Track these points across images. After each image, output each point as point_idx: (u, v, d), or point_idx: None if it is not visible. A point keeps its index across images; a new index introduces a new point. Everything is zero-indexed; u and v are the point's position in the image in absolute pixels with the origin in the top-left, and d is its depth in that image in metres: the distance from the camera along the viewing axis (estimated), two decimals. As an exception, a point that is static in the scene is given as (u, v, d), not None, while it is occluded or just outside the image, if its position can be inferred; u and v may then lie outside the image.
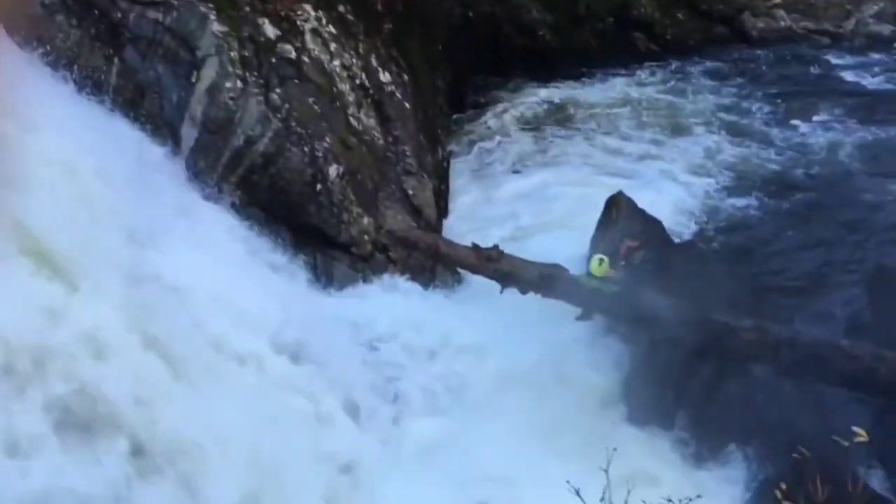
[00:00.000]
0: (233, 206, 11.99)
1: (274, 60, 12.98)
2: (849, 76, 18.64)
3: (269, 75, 12.87)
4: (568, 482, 4.19)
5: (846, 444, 3.69)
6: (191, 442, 8.02)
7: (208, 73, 12.37)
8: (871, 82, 18.40)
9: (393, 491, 9.23)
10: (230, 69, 12.46)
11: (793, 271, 12.52)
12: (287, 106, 12.75)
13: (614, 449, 4.39)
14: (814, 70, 18.98)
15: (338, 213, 12.73)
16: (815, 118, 16.99)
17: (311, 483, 8.82)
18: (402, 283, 12.49)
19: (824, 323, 11.30)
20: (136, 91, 11.95)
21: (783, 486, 3.29)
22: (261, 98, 12.56)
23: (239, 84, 12.45)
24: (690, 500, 3.51)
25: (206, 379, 8.67)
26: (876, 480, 9.46)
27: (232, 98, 12.39)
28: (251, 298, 10.02)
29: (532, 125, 17.56)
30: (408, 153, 14.37)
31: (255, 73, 12.72)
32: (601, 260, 10.98)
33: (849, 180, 14.71)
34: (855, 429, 3.72)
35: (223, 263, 10.24)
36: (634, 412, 10.68)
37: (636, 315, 11.04)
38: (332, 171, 12.89)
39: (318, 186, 12.68)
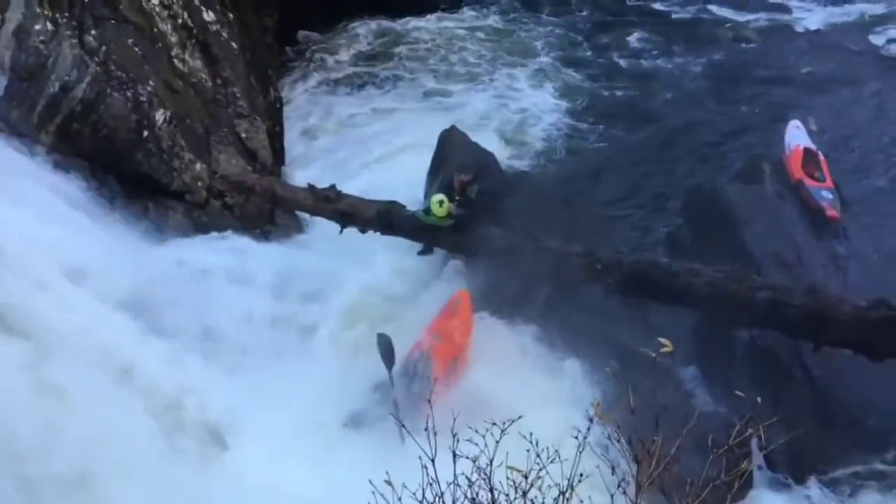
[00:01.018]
0: (52, 157, 11.39)
1: (86, 0, 12.29)
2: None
3: (83, 16, 12.17)
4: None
5: (653, 355, 4.01)
6: None
7: (14, 15, 11.63)
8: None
9: None
10: (38, 10, 11.73)
11: (615, 197, 13.17)
12: (104, 48, 12.12)
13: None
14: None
15: (168, 160, 12.31)
16: (623, 45, 17.64)
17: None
18: (239, 230, 12.24)
19: (646, 243, 11.98)
20: (-67, 37, 11.09)
21: (597, 401, 3.58)
22: (74, 41, 11.89)
23: (49, 26, 11.74)
24: (513, 420, 3.76)
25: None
26: (693, 385, 10.26)
27: (42, 41, 11.67)
28: (76, 254, 9.58)
29: (367, 60, 17.48)
30: (238, 95, 13.98)
31: (67, 14, 12.01)
32: (441, 202, 11.14)
33: (661, 108, 15.44)
34: (660, 340, 4.04)
35: (42, 219, 9.71)
36: None
37: (473, 246, 11.39)
38: (159, 116, 12.42)
39: (145, 133, 12.20)
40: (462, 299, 10.38)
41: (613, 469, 3.45)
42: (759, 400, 4.53)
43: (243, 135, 13.72)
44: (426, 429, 3.71)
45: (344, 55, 17.66)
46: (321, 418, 9.36)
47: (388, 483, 3.71)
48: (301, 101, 16.27)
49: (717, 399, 9.94)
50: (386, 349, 9.74)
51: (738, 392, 4.93)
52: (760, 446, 4.47)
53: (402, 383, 9.56)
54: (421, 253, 11.77)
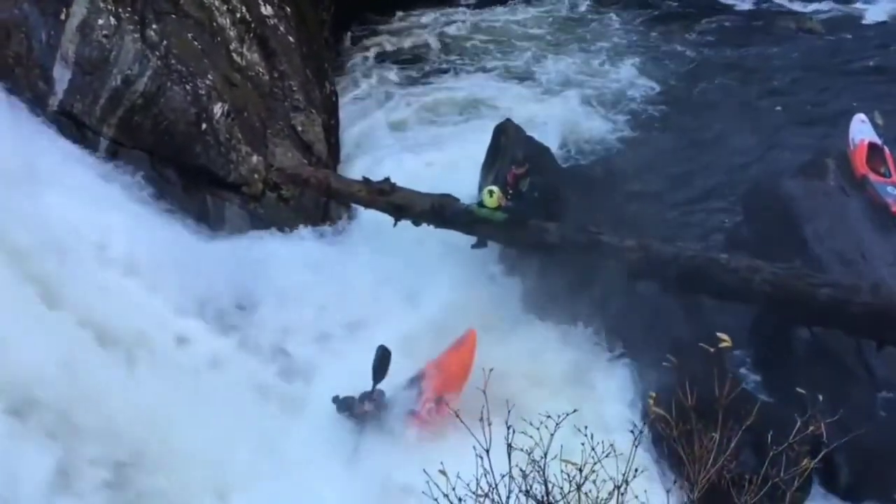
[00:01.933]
0: (113, 149, 11.61)
1: (148, -5, 12.52)
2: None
3: (144, 10, 12.38)
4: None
5: (712, 349, 3.92)
6: None
7: (78, 10, 11.85)
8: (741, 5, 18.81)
9: None
10: (101, 5, 11.95)
11: (674, 190, 12.96)
12: (165, 43, 12.33)
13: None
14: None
15: (225, 153, 12.48)
16: (686, 37, 17.37)
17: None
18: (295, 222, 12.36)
19: (704, 239, 11.77)
20: (1, 32, 11.35)
21: (654, 395, 3.50)
22: (136, 35, 12.11)
23: (112, 20, 11.96)
24: (568, 414, 3.70)
25: None
26: (752, 383, 10.08)
27: (106, 35, 11.90)
28: (133, 245, 9.79)
29: (424, 51, 17.42)
30: (294, 88, 14.09)
31: (129, 9, 12.23)
32: (491, 192, 11.13)
33: (723, 99, 15.13)
34: (719, 334, 3.96)
35: (100, 208, 9.93)
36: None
37: (525, 240, 11.33)
38: (217, 109, 12.59)
39: (204, 126, 12.37)
40: (469, 338, 10.25)
41: (670, 465, 3.37)
42: (819, 398, 4.36)
43: (299, 128, 13.82)
44: (481, 419, 3.68)
45: (401, 46, 17.60)
46: None
47: (443, 473, 3.69)
48: (358, 94, 16.30)
49: (776, 398, 9.77)
50: (381, 361, 9.85)
51: (799, 389, 4.77)
52: (821, 444, 4.32)
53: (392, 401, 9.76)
54: (475, 246, 11.73)
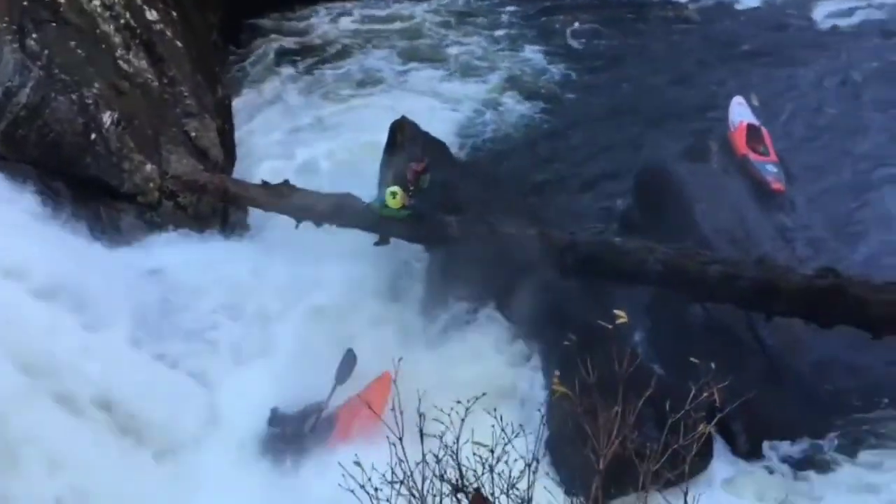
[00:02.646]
0: (-2, 162, 11.21)
1: (26, 3, 12.11)
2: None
3: (23, 19, 12.00)
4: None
5: (610, 326, 4.12)
6: None
7: (-49, 22, 11.41)
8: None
9: None
10: (-24, 16, 11.54)
11: (569, 177, 13.34)
12: (47, 52, 11.96)
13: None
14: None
15: (117, 162, 12.19)
16: (573, 28, 17.69)
17: None
18: (194, 229, 12.17)
19: (599, 223, 12.16)
20: None
21: (557, 374, 3.67)
22: (16, 45, 11.72)
23: (-12, 32, 11.56)
24: (477, 398, 3.84)
25: None
26: (651, 359, 10.47)
27: (-18, 48, 11.49)
28: (25, 259, 9.48)
29: (319, 49, 17.31)
30: (185, 94, 13.86)
31: (6, 19, 11.83)
32: (394, 193, 11.13)
33: (609, 87, 15.57)
34: (616, 311, 4.16)
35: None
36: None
37: (429, 235, 11.48)
38: (106, 118, 12.28)
39: (93, 136, 12.06)
40: (384, 379, 10.20)
41: (574, 442, 3.56)
42: (713, 366, 4.65)
43: (193, 134, 13.61)
44: (392, 409, 3.76)
45: (296, 44, 17.42)
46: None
47: (358, 464, 3.78)
48: (251, 96, 16.12)
49: (674, 371, 10.15)
50: (346, 364, 9.83)
51: (693, 359, 5.05)
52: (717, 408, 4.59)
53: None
54: (377, 244, 11.79)
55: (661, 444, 3.58)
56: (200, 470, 9.04)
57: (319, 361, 9.97)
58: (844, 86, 14.54)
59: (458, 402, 3.81)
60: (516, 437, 3.70)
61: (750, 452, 9.61)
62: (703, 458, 8.83)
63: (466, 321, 10.79)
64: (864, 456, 9.55)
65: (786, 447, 9.66)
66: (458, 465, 3.73)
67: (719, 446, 9.44)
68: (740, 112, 13.58)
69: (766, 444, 9.65)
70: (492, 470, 3.63)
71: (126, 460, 8.74)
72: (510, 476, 3.66)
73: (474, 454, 3.71)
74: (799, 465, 9.52)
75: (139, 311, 10.12)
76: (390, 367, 4.59)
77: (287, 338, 10.60)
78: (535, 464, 3.61)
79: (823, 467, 9.47)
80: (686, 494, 3.75)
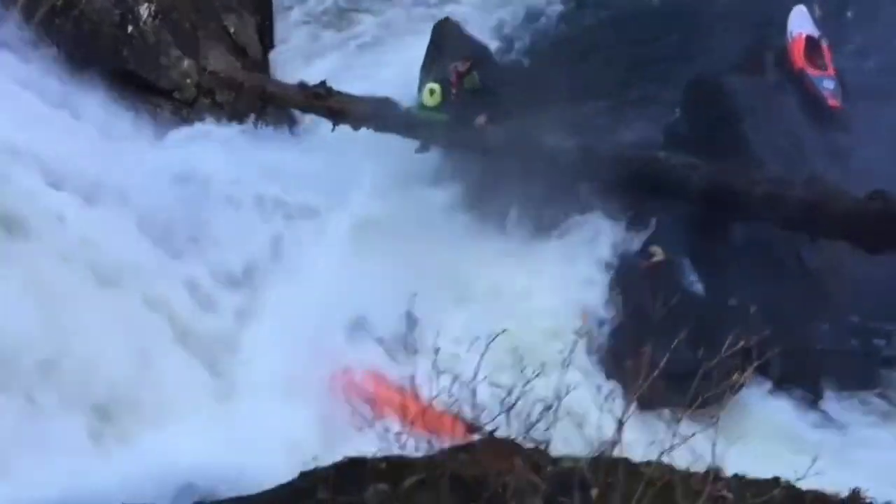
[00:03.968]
0: (35, 52, 11.06)
1: None
2: None
3: None
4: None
5: (646, 263, 3.93)
6: None
7: None
8: None
9: None
10: None
11: (617, 87, 12.83)
12: (84, -61, 11.70)
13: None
14: None
15: (155, 57, 12.07)
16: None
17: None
18: (230, 126, 12.02)
19: (642, 136, 11.77)
20: None
21: (585, 314, 3.48)
22: (51, -67, 11.47)
23: (24, -85, 11.28)
24: (498, 334, 3.63)
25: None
26: (690, 280, 10.27)
27: (19, -67, 11.23)
28: (62, 152, 9.37)
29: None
30: (225, -12, 13.61)
31: None
32: (432, 90, 10.89)
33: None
34: (650, 248, 3.97)
35: (26, 123, 9.47)
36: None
37: (467, 143, 11.22)
38: (144, 10, 12.13)
39: (130, 28, 11.92)
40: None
41: (600, 387, 3.42)
42: (751, 310, 4.46)
43: (232, 29, 13.40)
44: (405, 347, 3.63)
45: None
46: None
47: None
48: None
49: (715, 291, 9.99)
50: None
51: (731, 302, 4.86)
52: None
53: None
54: (419, 151, 11.52)
55: (690, 393, 3.42)
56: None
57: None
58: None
59: (478, 337, 3.67)
60: (537, 376, 3.57)
61: (782, 379, 9.44)
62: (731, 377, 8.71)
63: (495, 238, 10.57)
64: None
65: (817, 377, 9.47)
66: (474, 404, 3.63)
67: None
68: (801, 22, 12.89)
69: (798, 374, 9.45)
70: (508, 412, 3.52)
71: None
72: (528, 418, 3.55)
73: (492, 394, 3.60)
74: (831, 395, 9.34)
75: (167, 212, 9.99)
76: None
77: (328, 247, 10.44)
78: (557, 403, 3.50)
79: (852, 401, 9.29)
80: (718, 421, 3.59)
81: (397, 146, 11.52)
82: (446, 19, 12.96)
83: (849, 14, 13.63)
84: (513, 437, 3.54)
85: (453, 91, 11.12)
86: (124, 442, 7.74)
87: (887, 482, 7.64)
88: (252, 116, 12.35)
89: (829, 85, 12.10)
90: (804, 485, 3.85)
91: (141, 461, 7.13)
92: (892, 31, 13.17)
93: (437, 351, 3.75)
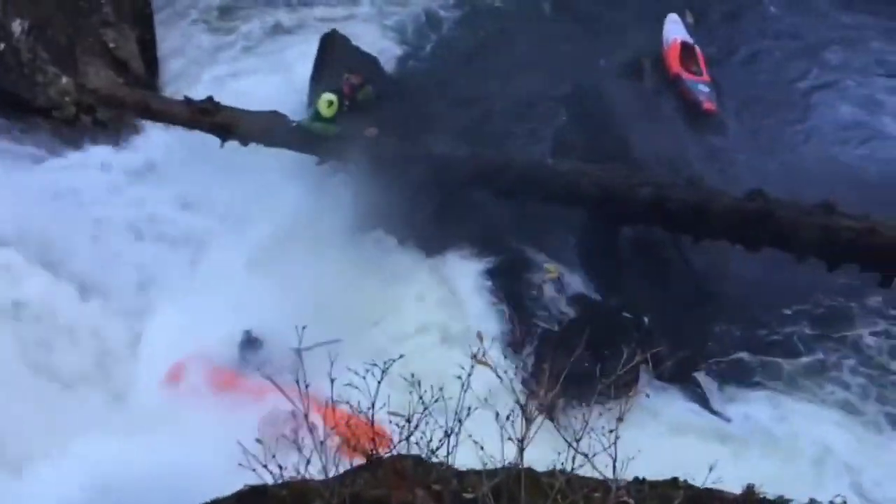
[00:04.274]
0: None
1: None
2: None
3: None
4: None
5: (541, 282, 4.04)
6: None
7: None
8: None
9: None
10: None
11: (503, 96, 13.04)
12: (-53, -45, 11.20)
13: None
14: None
15: (30, 74, 11.64)
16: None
17: None
18: (114, 145, 11.69)
19: (532, 144, 12.02)
20: None
21: (479, 351, 3.54)
22: (-88, -52, 10.93)
23: None
24: (394, 360, 3.62)
25: None
26: (584, 284, 10.54)
27: None
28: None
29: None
30: (102, 1, 13.20)
31: None
32: (330, 101, 10.73)
33: (548, 4, 15.08)
34: (546, 266, 4.08)
35: None
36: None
37: (360, 155, 11.20)
38: (16, 26, 11.70)
39: (2, 45, 11.45)
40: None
41: (497, 415, 3.49)
42: (646, 321, 4.63)
43: (111, 44, 13.00)
44: (297, 381, 3.59)
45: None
46: None
47: (260, 441, 3.66)
48: (177, 7, 15.35)
49: (607, 295, 10.27)
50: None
51: (625, 314, 5.04)
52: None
53: None
54: (319, 163, 11.29)
55: (591, 406, 3.53)
56: None
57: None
58: (782, 5, 14.43)
59: (374, 364, 3.68)
60: (436, 401, 3.62)
61: (673, 377, 9.76)
62: (628, 386, 8.96)
63: (389, 251, 10.62)
64: (781, 381, 9.77)
65: (709, 371, 9.83)
66: (374, 434, 3.65)
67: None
68: (675, 29, 13.44)
69: (685, 366, 9.79)
70: (408, 439, 3.56)
71: None
72: (428, 445, 3.59)
73: (391, 423, 3.62)
74: (720, 387, 9.70)
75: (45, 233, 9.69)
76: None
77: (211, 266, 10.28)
78: (458, 426, 3.54)
79: (743, 389, 9.68)
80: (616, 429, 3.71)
81: (290, 162, 11.43)
82: (333, 31, 12.91)
83: (719, 21, 14.27)
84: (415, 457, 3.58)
85: (346, 103, 11.07)
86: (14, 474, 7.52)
87: (778, 475, 8.13)
88: (136, 134, 12.03)
89: (703, 89, 12.64)
90: (702, 483, 4.00)
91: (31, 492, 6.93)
92: (760, 36, 13.90)
93: (332, 381, 3.75)
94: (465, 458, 3.68)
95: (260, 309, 9.11)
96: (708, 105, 12.48)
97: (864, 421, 9.37)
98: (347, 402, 3.74)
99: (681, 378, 9.55)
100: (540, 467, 3.58)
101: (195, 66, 13.85)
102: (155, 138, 11.96)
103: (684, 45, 13.13)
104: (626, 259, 10.70)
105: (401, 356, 3.84)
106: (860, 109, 12.76)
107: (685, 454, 8.04)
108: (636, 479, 4.18)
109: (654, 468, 4.33)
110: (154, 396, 8.55)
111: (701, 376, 9.65)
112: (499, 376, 3.39)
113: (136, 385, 8.85)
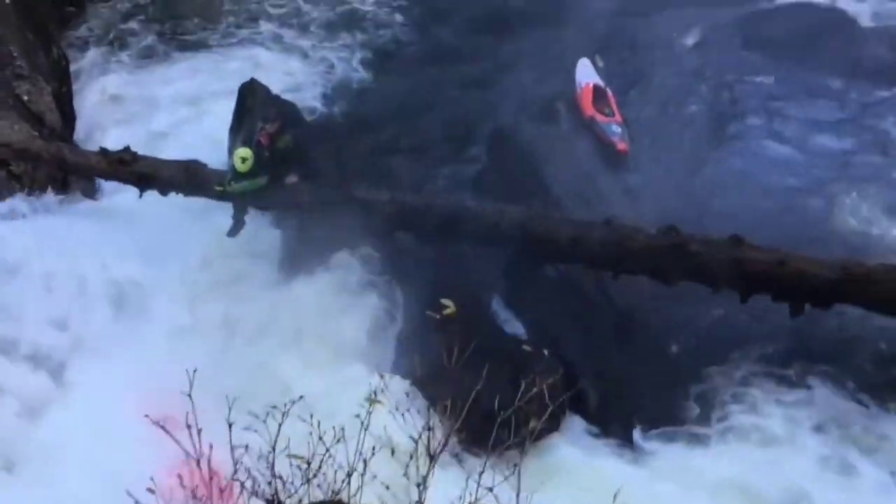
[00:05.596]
0: None
1: None
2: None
3: None
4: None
5: (437, 316, 4.09)
6: None
7: None
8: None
9: None
10: None
11: (423, 139, 13.25)
12: None
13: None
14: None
15: (-61, 129, 11.40)
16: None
17: None
18: (28, 200, 11.50)
19: (453, 186, 12.19)
20: None
21: (373, 395, 3.57)
22: None
23: None
24: (294, 402, 3.62)
25: None
26: (507, 321, 10.68)
27: None
28: None
29: (161, 9, 16.44)
30: (15, 54, 13.07)
31: None
32: (243, 158, 10.64)
33: (458, 50, 15.34)
34: (443, 301, 4.13)
35: None
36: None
37: (282, 202, 11.20)
38: (-75, 81, 11.46)
39: (-90, 100, 11.22)
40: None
41: (393, 451, 3.52)
42: (546, 353, 4.73)
43: (25, 97, 12.87)
44: (188, 425, 3.55)
45: (129, 6, 16.51)
46: None
47: (152, 491, 3.61)
48: (91, 57, 15.24)
49: (530, 331, 10.38)
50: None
51: (525, 346, 5.14)
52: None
53: None
54: (230, 234, 11.10)
55: (490, 441, 3.59)
56: None
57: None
58: (685, 48, 14.96)
59: (274, 407, 3.69)
60: (338, 442, 3.64)
61: (597, 413, 9.86)
62: (551, 420, 9.03)
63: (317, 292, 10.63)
64: (707, 419, 9.85)
65: (630, 409, 9.92)
66: (274, 477, 3.64)
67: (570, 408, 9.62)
68: (586, 73, 13.82)
69: (612, 406, 9.89)
70: (309, 482, 3.56)
71: None
72: (330, 487, 3.60)
73: (291, 465, 3.62)
74: (642, 431, 9.72)
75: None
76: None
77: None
78: (363, 466, 3.56)
79: (662, 435, 9.73)
80: (522, 454, 3.77)
81: (212, 208, 11.38)
82: (252, 80, 12.94)
83: (630, 63, 14.71)
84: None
85: (266, 154, 11.01)
86: None
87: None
88: (53, 189, 11.85)
89: (616, 130, 12.99)
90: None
91: None
92: (669, 76, 14.37)
93: (230, 425, 3.73)
94: (370, 500, 3.69)
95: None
96: (621, 146, 12.83)
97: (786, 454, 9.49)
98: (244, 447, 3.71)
99: (602, 418, 9.64)
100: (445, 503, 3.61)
101: (113, 118, 13.73)
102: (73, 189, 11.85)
103: (596, 87, 13.51)
104: (549, 295, 10.83)
105: (301, 397, 3.85)
106: (769, 143, 13.21)
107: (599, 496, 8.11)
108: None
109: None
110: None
111: (623, 416, 9.75)
112: (394, 415, 3.43)
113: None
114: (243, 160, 10.64)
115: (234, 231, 11.08)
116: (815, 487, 8.87)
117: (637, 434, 9.60)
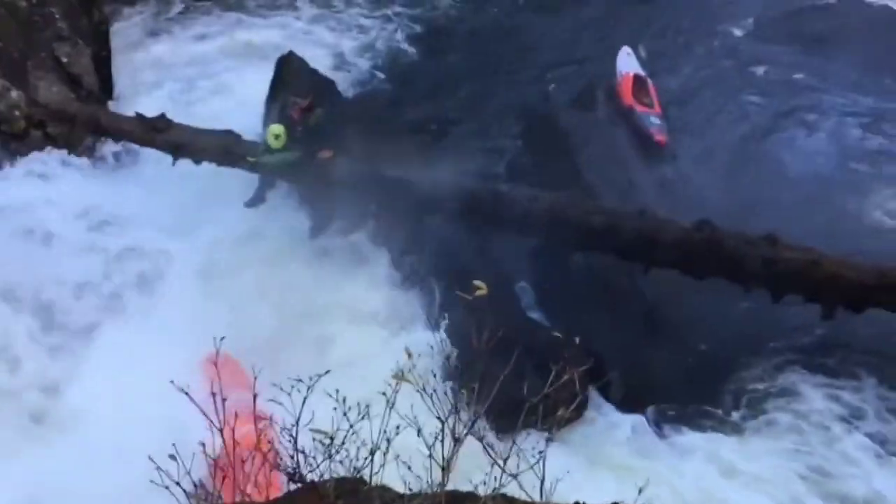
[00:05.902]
0: None
1: None
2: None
3: None
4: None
5: (469, 297, 4.01)
6: None
7: None
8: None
9: None
10: None
11: (457, 121, 13.17)
12: None
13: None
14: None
15: (-21, 88, 11.45)
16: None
17: None
18: (64, 161, 11.53)
19: (486, 169, 12.09)
20: None
21: (399, 372, 3.51)
22: None
23: None
24: (320, 376, 3.59)
25: None
26: (534, 309, 10.60)
27: None
28: None
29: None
30: (57, 16, 13.08)
31: None
32: (276, 134, 10.61)
33: (499, 34, 15.24)
34: (475, 282, 4.03)
35: None
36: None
37: (314, 178, 11.16)
38: (-34, 39, 11.52)
39: (-50, 58, 11.29)
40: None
41: (419, 431, 3.47)
42: (576, 341, 4.63)
43: (64, 59, 12.89)
44: (213, 394, 3.53)
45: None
46: None
47: (173, 457, 3.57)
48: (134, 22, 15.25)
49: (557, 320, 10.29)
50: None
51: (555, 333, 5.05)
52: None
53: None
54: (248, 204, 11.10)
55: (518, 425, 3.51)
56: None
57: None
58: (731, 40, 14.75)
59: (299, 380, 3.64)
60: (362, 418, 3.59)
61: (624, 401, 9.77)
62: (577, 409, 8.97)
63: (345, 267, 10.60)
64: (729, 413, 9.76)
65: (657, 398, 9.82)
66: (296, 451, 3.60)
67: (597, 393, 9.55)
68: (628, 62, 13.65)
69: (639, 395, 9.78)
70: (331, 458, 3.52)
71: None
72: (352, 464, 3.55)
73: (314, 440, 3.58)
74: (666, 417, 9.66)
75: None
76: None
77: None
78: (386, 445, 3.50)
79: (689, 416, 9.67)
80: (548, 441, 3.70)
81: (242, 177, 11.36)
82: (290, 53, 12.90)
83: (673, 55, 14.52)
84: (336, 480, 3.54)
85: (298, 128, 10.97)
86: None
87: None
88: (88, 150, 11.89)
89: (655, 121, 12.83)
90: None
91: None
92: (712, 69, 14.16)
93: (255, 396, 3.70)
94: (392, 478, 3.64)
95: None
96: (659, 137, 12.66)
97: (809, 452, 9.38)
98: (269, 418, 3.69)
99: (627, 403, 9.57)
100: (466, 487, 3.55)
101: (151, 82, 13.75)
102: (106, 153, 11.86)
103: (637, 77, 13.34)
104: (577, 283, 10.73)
105: (327, 372, 3.81)
106: (810, 139, 13.03)
107: (626, 478, 8.04)
108: (577, 502, 4.15)
109: (593, 493, 4.31)
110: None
111: (647, 403, 9.66)
112: (422, 394, 3.37)
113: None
114: (276, 136, 10.62)
115: (252, 202, 11.10)
116: (850, 480, 8.71)
117: (665, 424, 9.51)
